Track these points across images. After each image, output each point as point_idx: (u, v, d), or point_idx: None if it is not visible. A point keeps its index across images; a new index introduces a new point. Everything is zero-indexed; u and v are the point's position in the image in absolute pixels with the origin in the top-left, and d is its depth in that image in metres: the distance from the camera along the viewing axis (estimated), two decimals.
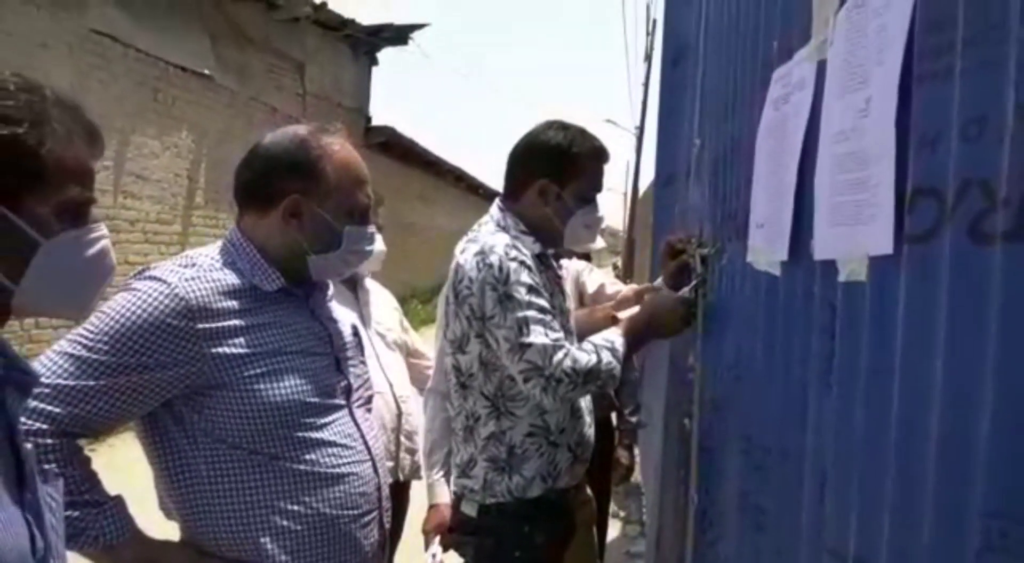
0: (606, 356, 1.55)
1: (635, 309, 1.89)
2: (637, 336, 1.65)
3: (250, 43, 8.25)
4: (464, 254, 1.62)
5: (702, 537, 1.57)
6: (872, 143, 0.76)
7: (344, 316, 1.42)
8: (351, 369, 1.35)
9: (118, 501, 1.17)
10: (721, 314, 1.53)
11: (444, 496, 1.96)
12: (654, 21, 19.40)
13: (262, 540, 1.20)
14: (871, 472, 0.74)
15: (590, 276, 2.67)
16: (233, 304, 1.20)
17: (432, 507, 2.00)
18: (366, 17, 10.61)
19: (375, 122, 11.75)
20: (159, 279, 1.17)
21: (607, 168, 1.77)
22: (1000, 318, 0.56)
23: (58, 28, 5.40)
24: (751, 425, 1.21)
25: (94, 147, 0.83)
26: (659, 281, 1.96)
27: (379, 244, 2.10)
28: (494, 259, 1.54)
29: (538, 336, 1.50)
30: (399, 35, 11.54)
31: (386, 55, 12.03)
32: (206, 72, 7.27)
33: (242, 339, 1.19)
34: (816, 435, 0.92)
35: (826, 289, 0.89)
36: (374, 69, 11.91)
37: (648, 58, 19.51)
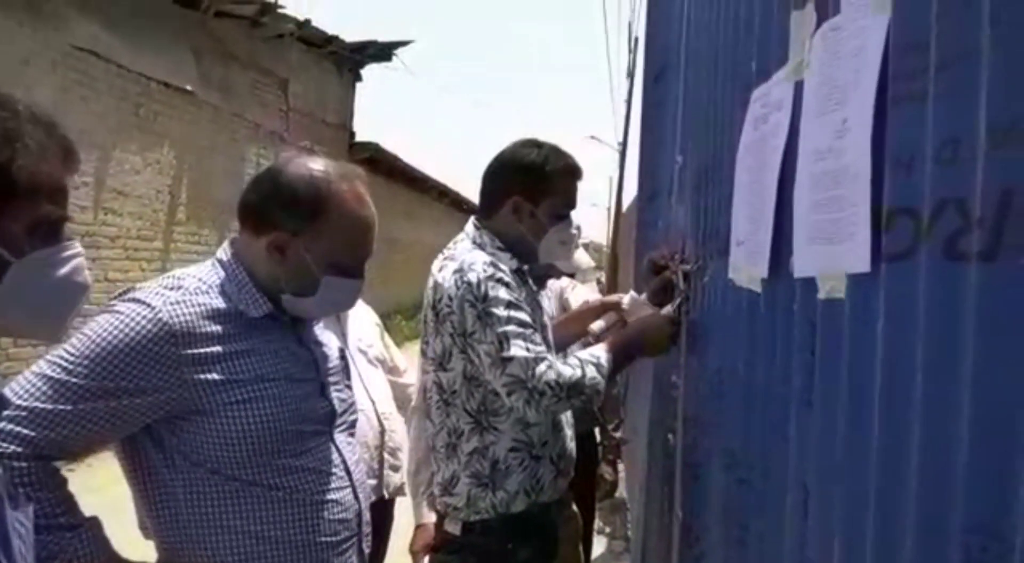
0: (591, 371, 1.56)
1: (601, 321, 1.91)
2: (625, 353, 1.66)
3: (234, 59, 8.25)
4: (443, 272, 1.63)
5: (688, 552, 1.57)
6: (849, 163, 0.78)
7: (331, 340, 1.41)
8: (335, 394, 1.33)
9: (94, 523, 1.15)
10: (704, 331, 1.54)
11: (430, 516, 1.95)
12: (636, 39, 19.61)
13: None
14: (853, 488, 0.75)
15: (573, 292, 2.68)
16: (217, 329, 1.18)
17: (419, 527, 1.99)
18: (350, 34, 10.66)
19: (359, 138, 11.76)
20: (143, 302, 1.15)
21: (590, 184, 1.86)
22: (976, 334, 0.56)
23: (40, 45, 5.38)
24: (734, 441, 1.22)
25: (69, 164, 0.82)
26: (630, 295, 1.97)
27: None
28: (472, 277, 1.56)
29: (519, 350, 1.51)
30: (383, 52, 11.60)
31: (371, 72, 12.07)
32: (189, 88, 7.26)
33: (224, 366, 1.17)
34: (798, 451, 0.92)
35: (806, 306, 0.90)
36: (358, 86, 11.94)
37: (631, 75, 19.70)
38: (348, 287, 1.29)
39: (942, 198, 0.61)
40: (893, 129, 0.70)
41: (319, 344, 1.35)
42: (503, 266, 1.62)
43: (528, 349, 1.52)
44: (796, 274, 0.91)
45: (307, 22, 9.23)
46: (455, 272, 1.59)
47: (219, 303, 1.20)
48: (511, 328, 1.53)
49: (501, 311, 1.53)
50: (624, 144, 20.93)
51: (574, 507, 2.06)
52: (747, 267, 1.13)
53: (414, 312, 14.38)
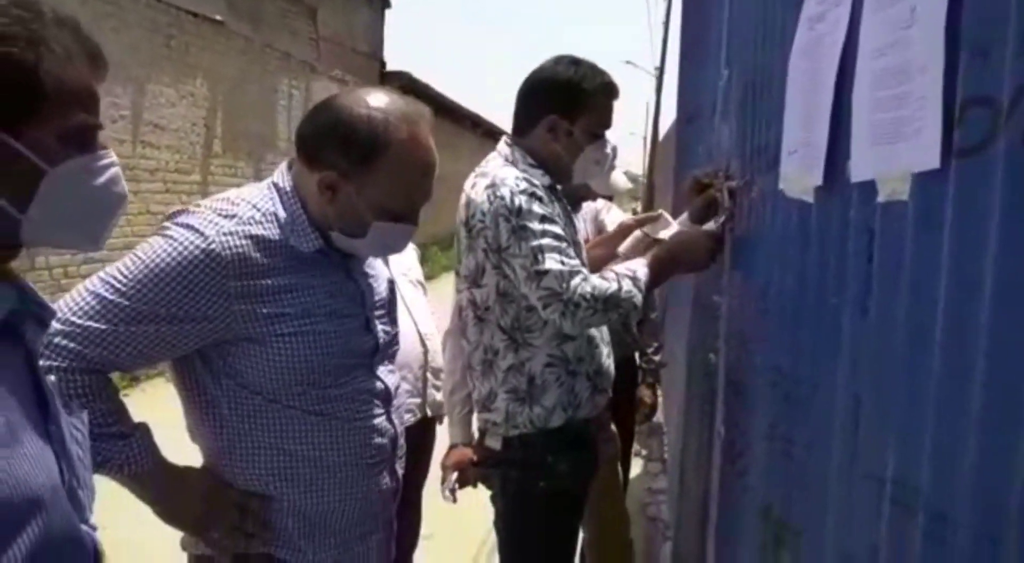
0: (627, 284, 1.55)
1: (628, 241, 1.87)
2: (662, 268, 1.64)
3: None
4: (475, 188, 1.62)
5: (729, 468, 1.58)
6: (917, 55, 0.73)
7: (380, 270, 1.39)
8: (380, 327, 1.32)
9: (144, 430, 1.19)
10: (749, 247, 1.51)
11: (464, 435, 1.99)
12: None
13: (274, 478, 1.23)
14: (911, 394, 0.73)
15: (609, 214, 2.65)
16: (267, 262, 1.16)
17: (452, 446, 2.03)
18: None
19: (391, 67, 11.59)
20: (196, 230, 1.14)
21: (627, 112, 1.76)
22: None
23: None
24: (781, 357, 1.20)
25: (97, 68, 0.78)
26: (676, 221, 1.93)
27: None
28: (505, 191, 1.55)
29: (554, 263, 1.51)
30: None
31: (401, 0, 11.80)
32: (218, 18, 7.17)
33: (272, 299, 1.16)
34: (850, 362, 0.90)
35: (863, 212, 0.87)
36: (388, 14, 11.69)
37: None
38: (400, 232, 1.25)
39: (1020, 84, 0.57)
40: (969, 14, 0.65)
41: (367, 275, 1.33)
42: (536, 181, 1.60)
43: (563, 262, 1.52)
44: (853, 178, 0.87)
45: None
46: (487, 187, 1.58)
47: (271, 234, 1.18)
48: (546, 241, 1.52)
49: (535, 224, 1.52)
50: (661, 69, 20.34)
51: (613, 428, 2.09)
52: (799, 176, 1.09)
53: (450, 243, 14.43)
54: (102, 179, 0.80)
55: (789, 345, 1.16)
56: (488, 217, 1.56)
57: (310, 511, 1.24)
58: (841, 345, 0.93)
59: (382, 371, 1.33)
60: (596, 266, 1.81)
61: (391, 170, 1.19)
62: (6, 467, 0.67)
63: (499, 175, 1.58)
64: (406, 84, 11.81)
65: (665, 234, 1.85)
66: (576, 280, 1.51)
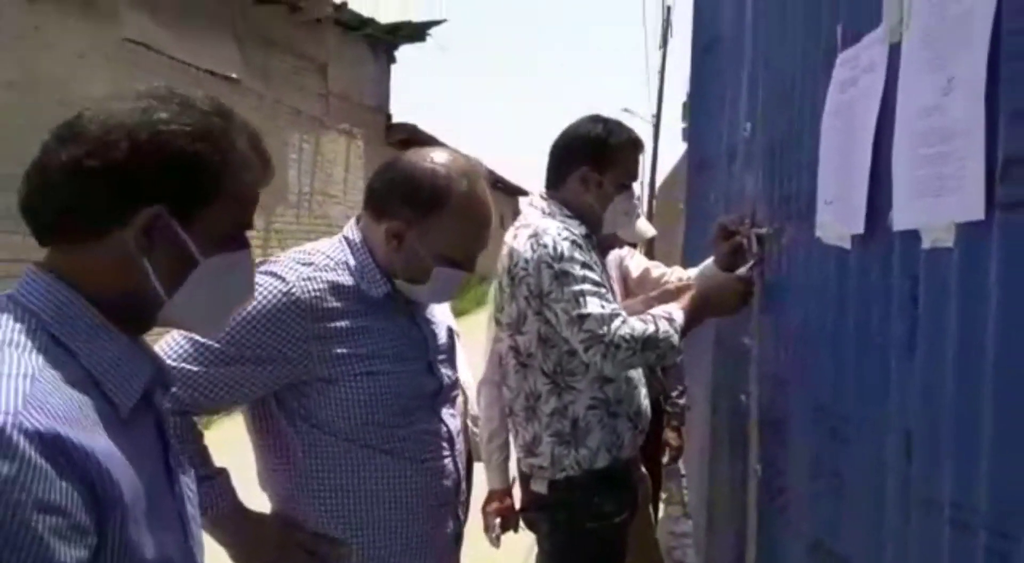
0: (663, 325, 1.62)
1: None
2: (697, 310, 1.72)
3: (274, 45, 8.37)
4: (517, 239, 1.71)
5: (769, 505, 1.63)
6: (957, 118, 0.82)
7: (442, 317, 1.48)
8: (443, 371, 1.40)
9: (224, 475, 1.26)
10: (781, 291, 1.59)
11: (502, 481, 2.03)
12: (668, 8, 19.35)
13: (350, 518, 1.28)
14: (963, 431, 0.80)
15: (633, 261, 2.73)
16: (342, 305, 1.26)
17: (491, 492, 2.07)
18: (384, 15, 10.71)
19: (396, 120, 11.84)
20: (278, 276, 1.23)
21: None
22: None
23: (95, 39, 5.53)
24: (823, 394, 1.27)
25: (266, 175, 0.85)
26: (699, 267, 2.01)
27: None
28: (547, 239, 1.64)
29: (595, 307, 1.58)
30: (417, 32, 11.63)
31: (405, 53, 12.14)
32: (234, 75, 7.39)
33: (347, 340, 1.25)
34: (899, 398, 0.97)
35: (907, 258, 0.94)
36: (393, 67, 12.00)
37: (664, 46, 19.45)
38: (457, 278, 1.34)
39: None
40: (1010, 83, 0.74)
41: (429, 322, 1.42)
42: (575, 231, 1.70)
43: (603, 306, 1.59)
44: (896, 227, 0.96)
45: (343, 5, 9.31)
46: (530, 237, 1.67)
47: (345, 280, 1.28)
48: (587, 286, 1.60)
49: (577, 270, 1.61)
50: (658, 117, 20.74)
51: (643, 469, 2.14)
52: (837, 224, 1.18)
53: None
54: (238, 274, 0.86)
55: (831, 383, 1.23)
56: (531, 265, 1.64)
57: (378, 553, 1.29)
58: (889, 382, 1.00)
59: (445, 414, 1.39)
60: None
61: (451, 220, 1.29)
62: (147, 532, 0.72)
63: (541, 226, 1.68)
64: (411, 135, 12.06)
65: (691, 272, 1.94)
66: (616, 322, 1.58)
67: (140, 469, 0.74)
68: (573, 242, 1.64)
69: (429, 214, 1.28)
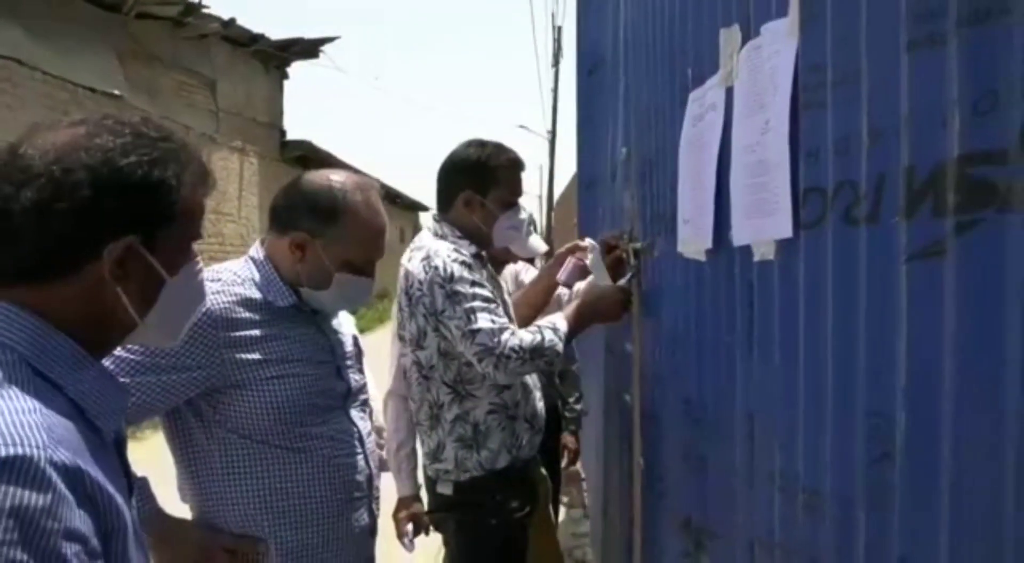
0: (548, 335, 1.76)
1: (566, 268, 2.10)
2: (580, 319, 1.87)
3: (159, 61, 8.14)
4: (412, 262, 1.82)
5: (650, 493, 1.80)
6: (771, 155, 1.00)
7: (347, 328, 1.59)
8: (351, 375, 1.52)
9: (144, 482, 1.30)
10: (655, 299, 1.77)
11: (412, 488, 2.13)
12: (559, 28, 19.93)
13: (266, 518, 1.37)
14: (787, 411, 0.97)
15: (528, 274, 2.89)
16: (250, 316, 1.36)
17: (400, 499, 2.16)
18: (276, 32, 10.58)
19: (291, 136, 11.69)
20: None
21: (523, 175, 2.00)
22: (867, 279, 0.79)
23: None
24: (689, 388, 1.44)
25: (207, 188, 0.90)
26: (589, 241, 2.17)
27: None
28: (438, 262, 1.76)
29: (485, 322, 1.71)
30: (310, 48, 11.54)
31: (300, 70, 12.01)
32: (117, 92, 7.15)
33: (257, 347, 1.35)
34: (743, 388, 1.15)
35: (744, 269, 1.12)
36: (287, 84, 11.85)
37: (556, 65, 20.00)
38: (359, 285, 1.46)
39: (839, 180, 0.83)
40: (804, 129, 0.92)
41: (336, 332, 1.53)
42: (464, 251, 1.82)
43: (493, 321, 1.72)
44: (735, 243, 1.13)
45: (231, 21, 9.15)
46: (422, 259, 1.79)
47: (252, 293, 1.39)
48: (476, 303, 1.73)
49: (467, 289, 1.73)
50: (553, 133, 21.28)
51: (543, 470, 2.28)
52: (694, 241, 1.35)
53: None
54: (194, 283, 0.91)
55: (695, 378, 1.40)
56: (425, 285, 1.76)
57: (297, 547, 1.38)
58: (735, 374, 1.17)
59: (355, 415, 1.50)
60: (525, 320, 2.02)
61: (349, 228, 1.42)
62: (135, 552, 0.78)
63: (432, 248, 1.80)
64: (307, 152, 11.92)
65: (580, 284, 2.10)
66: (505, 335, 1.72)
67: (123, 494, 0.78)
68: (462, 263, 1.77)
69: (329, 225, 1.41)
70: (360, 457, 1.48)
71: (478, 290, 1.75)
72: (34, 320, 0.76)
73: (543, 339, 1.75)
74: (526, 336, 1.74)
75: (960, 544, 0.66)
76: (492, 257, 2.05)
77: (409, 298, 1.80)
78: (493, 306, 1.75)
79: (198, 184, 0.87)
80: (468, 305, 1.72)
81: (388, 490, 2.26)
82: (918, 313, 0.70)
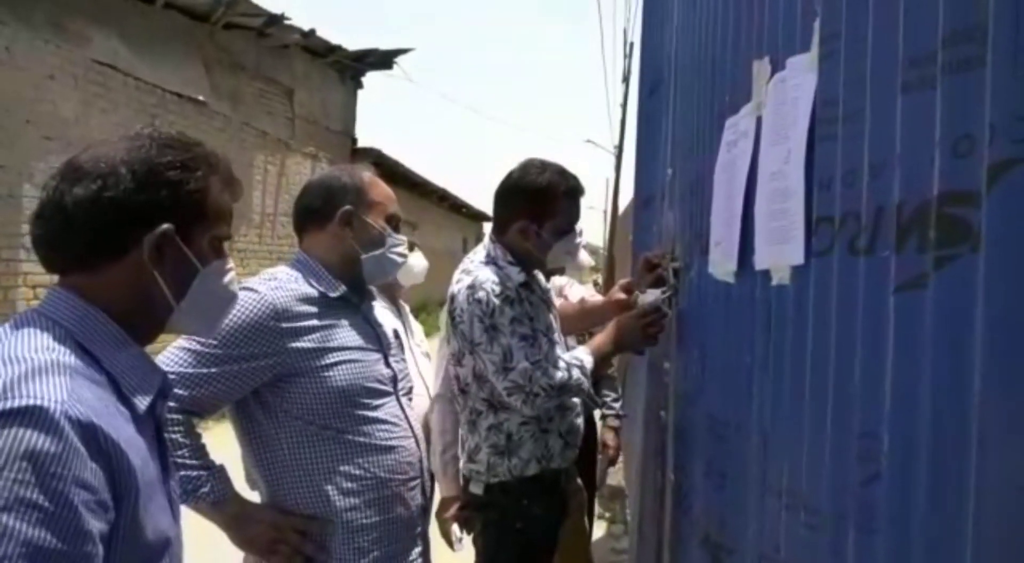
0: (576, 373, 1.83)
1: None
2: (603, 352, 1.94)
3: (242, 70, 8.51)
4: (459, 285, 1.86)
5: (677, 510, 1.83)
6: (791, 183, 1.04)
7: (387, 321, 1.74)
8: (395, 363, 1.64)
9: (222, 468, 1.46)
10: (690, 318, 1.80)
11: (455, 490, 2.20)
12: (631, 44, 19.87)
13: (331, 498, 1.49)
14: (794, 425, 1.01)
15: (571, 290, 2.95)
16: (307, 308, 1.50)
17: (444, 499, 2.24)
18: (352, 43, 10.92)
19: (361, 144, 12.02)
20: (251, 289, 1.47)
21: (587, 185, 1.96)
22: (863, 308, 0.82)
23: (64, 60, 5.63)
24: (714, 406, 1.48)
25: (235, 193, 1.03)
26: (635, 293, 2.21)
27: (420, 259, 2.47)
28: (482, 295, 1.79)
29: (520, 361, 1.76)
30: (384, 60, 11.86)
31: (372, 80, 12.35)
32: (201, 98, 7.51)
33: (315, 336, 1.49)
34: (758, 407, 1.18)
35: (764, 293, 1.16)
36: (360, 93, 12.20)
37: (626, 80, 19.96)
38: (401, 240, 1.67)
39: (845, 211, 0.87)
40: (819, 160, 0.96)
41: (379, 324, 1.67)
42: (510, 283, 1.83)
43: (527, 359, 1.76)
44: (757, 267, 1.17)
45: (311, 32, 9.50)
46: (468, 287, 1.82)
47: (306, 288, 1.54)
48: (514, 341, 1.77)
49: (505, 325, 1.77)
50: (620, 148, 21.19)
51: (579, 481, 2.32)
52: (723, 263, 1.39)
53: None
54: (226, 279, 1.02)
55: (719, 397, 1.44)
56: (466, 315, 1.80)
57: (360, 526, 1.49)
58: (752, 394, 1.21)
59: (404, 402, 1.62)
60: (578, 329, 2.07)
61: (373, 193, 1.65)
62: (151, 514, 0.87)
63: (479, 277, 1.82)
64: (376, 159, 12.24)
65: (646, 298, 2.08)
66: (538, 374, 1.76)
67: (145, 462, 0.88)
68: (506, 297, 1.79)
69: (361, 193, 1.62)
70: (411, 440, 1.60)
71: (517, 327, 1.78)
72: (83, 303, 0.88)
73: (571, 378, 1.81)
74: (556, 375, 1.79)
75: None
76: (543, 272, 2.10)
77: (452, 319, 1.86)
78: (530, 343, 1.78)
79: (225, 188, 0.99)
80: (506, 342, 1.77)
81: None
82: (902, 341, 0.73)
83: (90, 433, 0.77)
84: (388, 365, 1.61)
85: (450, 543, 2.21)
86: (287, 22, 8.72)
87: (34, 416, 0.74)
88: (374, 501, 1.51)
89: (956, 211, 0.65)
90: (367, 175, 1.66)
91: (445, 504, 2.22)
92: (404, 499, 1.56)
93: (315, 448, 1.47)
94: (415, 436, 1.61)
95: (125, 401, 0.87)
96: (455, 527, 2.18)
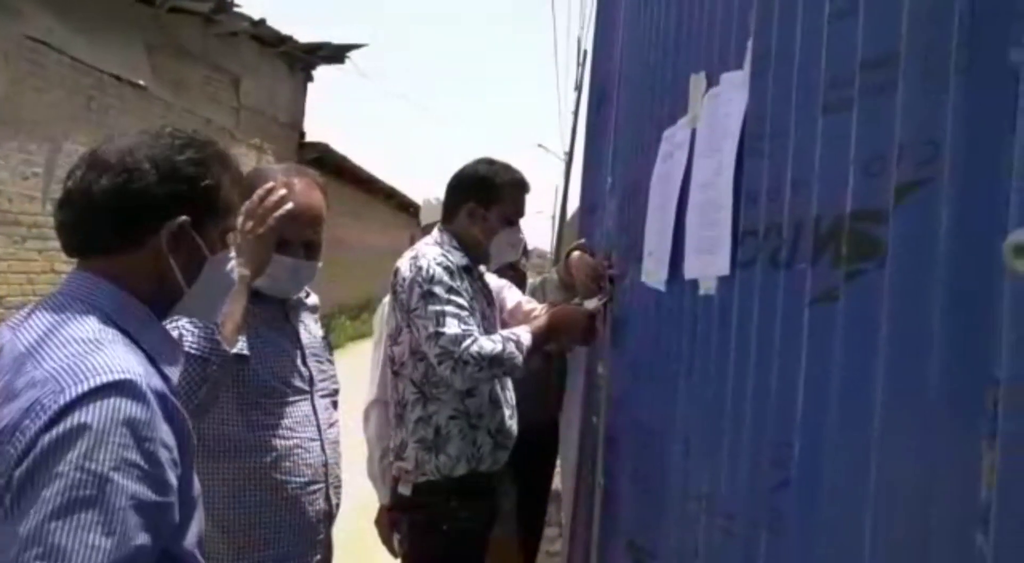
0: (510, 347, 1.81)
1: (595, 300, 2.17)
2: (542, 335, 1.91)
3: (186, 55, 8.28)
4: (403, 260, 1.91)
5: (605, 513, 1.85)
6: (720, 195, 1.06)
7: (315, 330, 1.68)
8: (315, 364, 1.59)
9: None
10: (623, 324, 1.83)
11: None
12: (585, 52, 20.11)
13: (226, 504, 1.44)
14: (714, 433, 1.03)
15: (509, 292, 2.96)
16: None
17: (382, 507, 2.20)
18: (303, 35, 10.74)
19: (309, 138, 11.82)
20: None
21: (537, 192, 2.07)
22: (781, 319, 0.85)
23: None
24: (641, 412, 1.50)
25: (240, 188, 1.11)
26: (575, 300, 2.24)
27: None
28: (423, 262, 1.83)
29: (451, 327, 1.77)
30: (336, 54, 11.68)
31: (322, 73, 12.15)
32: (141, 82, 7.28)
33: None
34: (682, 413, 1.21)
35: (692, 302, 1.19)
36: (310, 86, 12.00)
37: (578, 88, 20.15)
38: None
39: (768, 224, 0.90)
40: (747, 174, 0.98)
41: (304, 325, 1.62)
42: (453, 259, 1.88)
43: (459, 327, 1.78)
44: (686, 276, 1.20)
45: (261, 21, 9.30)
46: (411, 258, 1.88)
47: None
48: (448, 308, 1.79)
49: (442, 292, 1.80)
50: (570, 155, 21.39)
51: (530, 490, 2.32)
52: (655, 271, 1.42)
53: (358, 312, 14.41)
54: (228, 267, 1.10)
55: (647, 403, 1.46)
56: (406, 282, 1.83)
57: (241, 527, 1.44)
58: (677, 401, 1.23)
59: (319, 404, 1.58)
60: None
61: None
62: (194, 472, 0.99)
63: (423, 250, 1.88)
64: (323, 154, 12.05)
65: (589, 304, 2.11)
66: (467, 341, 1.77)
67: None
68: (446, 268, 1.83)
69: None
70: (317, 443, 1.55)
71: (453, 297, 1.81)
72: (112, 285, 0.97)
73: (503, 350, 1.80)
74: (487, 344, 1.78)
75: None
76: (495, 271, 2.10)
77: (394, 293, 1.89)
78: (464, 314, 1.80)
79: (234, 184, 1.07)
80: (439, 308, 1.78)
81: (372, 496, 2.31)
82: (815, 353, 0.76)
83: (164, 401, 0.90)
84: (305, 364, 1.57)
85: (392, 550, 2.17)
86: (236, 9, 8.52)
87: (127, 388, 0.85)
88: (267, 501, 1.46)
89: (866, 227, 0.67)
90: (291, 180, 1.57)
91: (383, 512, 2.19)
92: (300, 503, 1.51)
93: (219, 445, 1.45)
94: (321, 439, 1.57)
95: (160, 374, 0.96)
96: (395, 536, 2.14)
